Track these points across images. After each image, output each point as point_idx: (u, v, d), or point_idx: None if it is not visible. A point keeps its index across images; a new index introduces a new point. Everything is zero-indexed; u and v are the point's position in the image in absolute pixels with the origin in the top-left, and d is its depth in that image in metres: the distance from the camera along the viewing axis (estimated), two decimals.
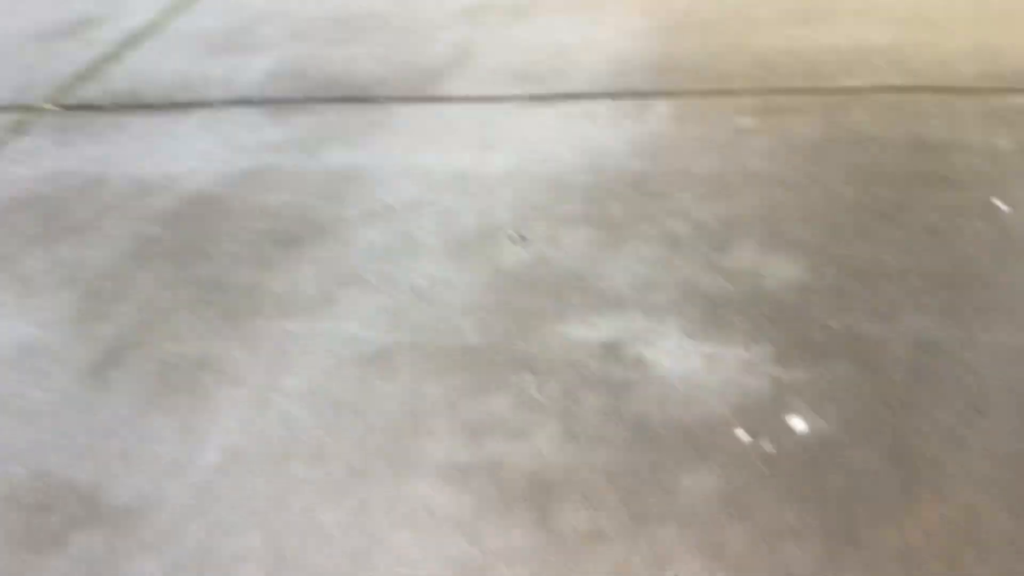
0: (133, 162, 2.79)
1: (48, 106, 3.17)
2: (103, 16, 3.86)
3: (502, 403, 1.84)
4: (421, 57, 3.24)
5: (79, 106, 3.16)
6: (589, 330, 2.00)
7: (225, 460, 1.77)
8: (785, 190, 2.34)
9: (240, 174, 2.68)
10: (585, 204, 2.39)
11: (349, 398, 1.89)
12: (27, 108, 3.17)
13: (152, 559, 1.60)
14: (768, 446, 1.68)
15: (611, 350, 1.94)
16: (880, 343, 1.88)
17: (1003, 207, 2.23)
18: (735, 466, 1.65)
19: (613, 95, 2.85)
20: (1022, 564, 1.46)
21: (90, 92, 3.24)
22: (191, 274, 2.29)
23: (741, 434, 1.71)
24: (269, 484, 1.71)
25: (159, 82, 3.26)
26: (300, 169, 2.68)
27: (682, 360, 1.89)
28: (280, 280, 2.24)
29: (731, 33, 3.14)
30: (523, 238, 2.30)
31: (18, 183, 2.74)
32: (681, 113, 2.72)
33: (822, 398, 1.77)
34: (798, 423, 1.72)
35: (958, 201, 2.26)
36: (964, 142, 2.46)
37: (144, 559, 1.60)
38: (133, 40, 3.61)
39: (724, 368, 1.85)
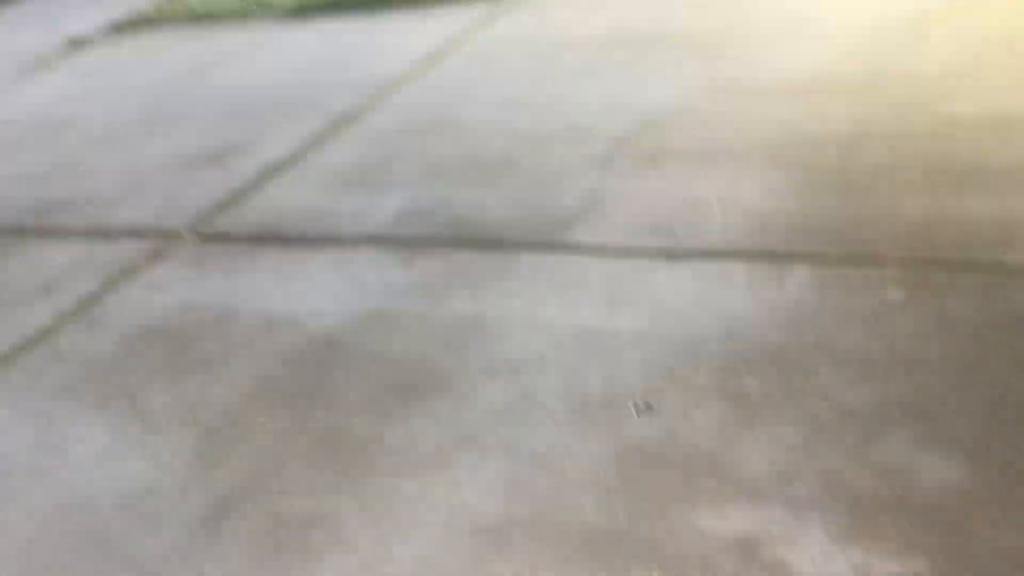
0: (263, 298, 2.81)
1: (186, 235, 3.26)
2: (246, 145, 4.01)
3: None
4: (550, 204, 3.22)
5: (215, 236, 3.24)
6: (722, 521, 1.84)
7: None
8: (941, 376, 2.16)
9: (364, 317, 2.67)
10: (718, 376, 2.26)
11: None
12: (166, 235, 3.27)
13: None
14: None
15: (747, 547, 1.78)
16: None
17: None
18: None
19: (750, 256, 2.75)
20: None
21: (227, 222, 3.33)
22: (309, 422, 2.25)
23: None
24: None
25: (293, 215, 3.33)
26: (423, 315, 2.65)
27: (827, 567, 1.71)
28: (397, 435, 2.18)
29: (876, 195, 3.00)
30: (650, 408, 2.18)
31: (149, 312, 2.80)
32: (823, 281, 2.58)
33: None
34: None
35: None
36: None
37: None
38: (272, 171, 3.72)
39: None
